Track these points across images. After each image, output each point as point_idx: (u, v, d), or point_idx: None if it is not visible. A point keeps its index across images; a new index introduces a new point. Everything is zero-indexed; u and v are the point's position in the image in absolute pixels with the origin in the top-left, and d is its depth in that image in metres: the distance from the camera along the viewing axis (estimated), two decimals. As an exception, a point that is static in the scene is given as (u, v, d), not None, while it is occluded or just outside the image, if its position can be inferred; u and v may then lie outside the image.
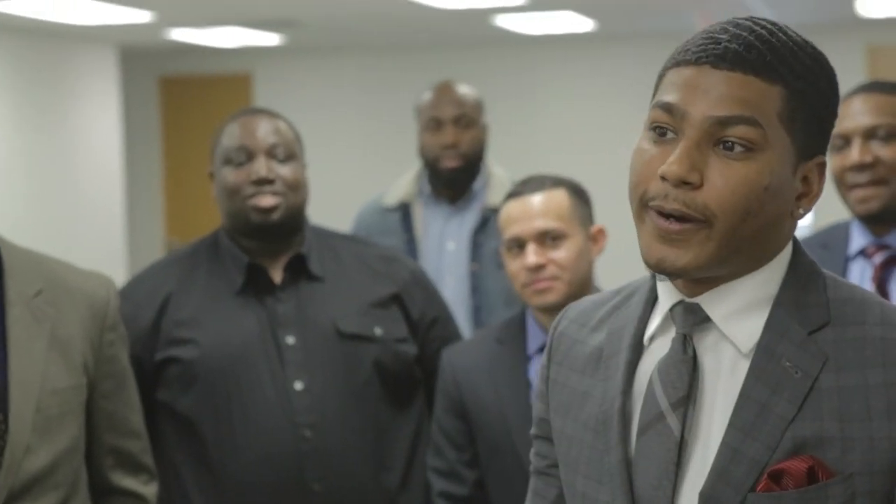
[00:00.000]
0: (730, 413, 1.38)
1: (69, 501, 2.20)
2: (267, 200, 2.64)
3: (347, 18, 9.03)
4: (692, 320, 1.42)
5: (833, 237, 2.71)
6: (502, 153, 6.66)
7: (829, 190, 2.72)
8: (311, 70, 11.04)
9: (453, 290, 3.66)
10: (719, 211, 1.34)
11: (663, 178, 1.35)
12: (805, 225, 10.66)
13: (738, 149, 1.35)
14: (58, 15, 8.02)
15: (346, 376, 2.65)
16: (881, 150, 2.57)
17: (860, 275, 2.63)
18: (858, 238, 2.66)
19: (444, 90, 3.76)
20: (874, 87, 2.64)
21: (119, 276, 9.22)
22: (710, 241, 1.35)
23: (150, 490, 2.39)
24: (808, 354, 1.37)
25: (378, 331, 2.69)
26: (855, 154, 2.57)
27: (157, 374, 2.65)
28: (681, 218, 1.35)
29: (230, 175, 2.68)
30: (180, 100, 11.29)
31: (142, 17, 8.27)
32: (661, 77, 1.43)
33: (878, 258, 2.62)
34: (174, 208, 11.33)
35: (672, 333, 1.44)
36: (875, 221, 2.61)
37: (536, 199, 2.57)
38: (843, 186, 2.62)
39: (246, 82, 11.15)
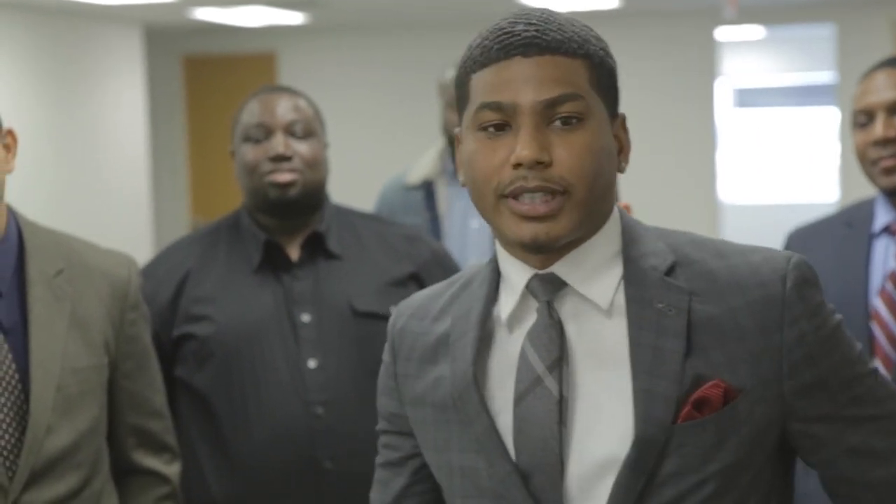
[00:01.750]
0: (605, 367, 1.49)
1: (91, 481, 2.21)
2: (284, 177, 2.65)
3: (371, -3, 9.03)
4: (551, 289, 1.51)
5: (857, 215, 2.70)
6: (526, 131, 6.62)
7: (856, 169, 2.71)
8: (335, 49, 11.03)
9: (477, 269, 3.64)
10: (574, 179, 1.45)
11: (517, 166, 1.45)
12: (833, 202, 10.61)
13: (571, 122, 1.46)
14: (82, -5, 8.04)
15: (361, 355, 2.65)
16: None
17: (884, 251, 2.61)
18: (883, 215, 2.64)
19: (468, 67, 3.74)
20: None
21: (144, 255, 9.26)
22: (573, 209, 1.46)
23: (172, 469, 2.40)
24: (673, 293, 1.49)
25: (394, 310, 2.69)
26: (879, 129, 2.56)
27: (175, 351, 2.66)
28: (545, 193, 1.45)
29: (249, 152, 2.69)
30: (205, 79, 11.30)
31: (166, -4, 8.30)
32: (465, 83, 1.52)
33: None
34: (199, 187, 11.36)
35: (531, 307, 1.53)
36: None
37: None
38: (867, 162, 2.60)
39: (270, 61, 11.15)
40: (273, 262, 2.70)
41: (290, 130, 2.69)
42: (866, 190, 2.69)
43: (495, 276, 1.57)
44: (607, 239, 1.52)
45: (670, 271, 1.50)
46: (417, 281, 2.77)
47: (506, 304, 1.55)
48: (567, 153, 1.44)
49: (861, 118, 2.61)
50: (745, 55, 13.30)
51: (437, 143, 3.86)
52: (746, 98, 13.85)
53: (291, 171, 2.65)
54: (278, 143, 2.66)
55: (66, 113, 9.19)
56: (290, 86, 2.88)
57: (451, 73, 3.76)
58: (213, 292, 2.67)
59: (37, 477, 2.11)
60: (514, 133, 1.45)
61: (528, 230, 1.45)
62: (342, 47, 11.00)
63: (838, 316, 1.52)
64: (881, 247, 2.62)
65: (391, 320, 1.69)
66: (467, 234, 3.72)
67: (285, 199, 2.66)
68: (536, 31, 1.47)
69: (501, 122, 1.47)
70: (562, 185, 1.44)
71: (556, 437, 1.47)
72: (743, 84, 13.74)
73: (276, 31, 10.85)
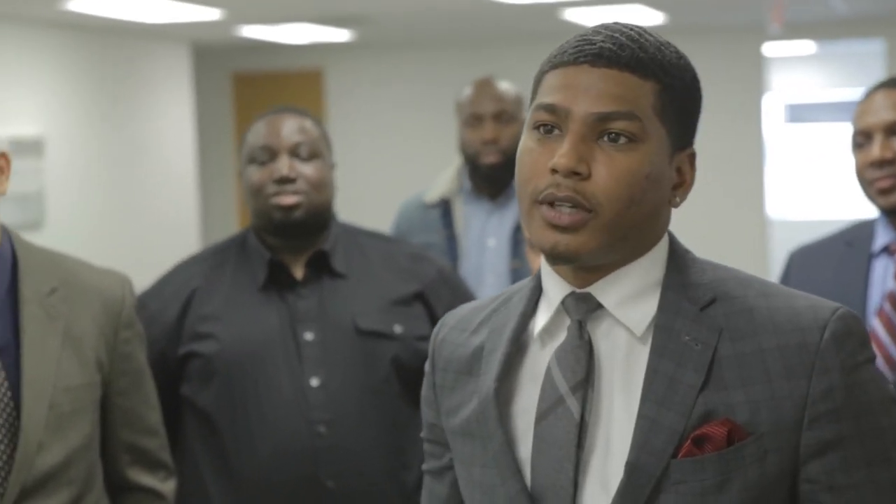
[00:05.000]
0: (629, 394, 1.46)
1: (83, 498, 2.23)
2: (288, 199, 2.66)
3: (417, 14, 9.06)
4: (585, 308, 1.49)
5: (857, 235, 2.68)
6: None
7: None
8: (381, 65, 11.08)
9: (494, 288, 3.64)
10: (605, 200, 1.43)
11: (554, 171, 1.43)
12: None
13: (620, 140, 1.44)
14: (131, 13, 8.13)
15: (364, 373, 2.65)
16: None
17: (883, 272, 2.59)
18: (883, 235, 2.62)
19: (484, 86, 3.76)
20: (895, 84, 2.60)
21: (191, 271, 9.31)
22: (597, 229, 1.44)
23: (167, 486, 2.41)
24: (704, 328, 1.45)
25: (398, 328, 2.70)
26: (876, 150, 2.53)
27: (180, 369, 2.68)
28: (572, 206, 1.43)
29: (254, 174, 2.71)
30: (253, 96, 11.39)
31: (212, 14, 8.36)
32: (538, 80, 1.51)
33: None
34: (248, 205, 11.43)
35: (564, 325, 1.51)
36: None
37: None
38: (865, 182, 2.58)
39: (317, 78, 11.22)
40: (278, 280, 2.72)
41: (294, 152, 2.70)
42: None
43: (536, 292, 1.56)
44: (651, 266, 1.49)
45: (707, 306, 1.46)
46: (423, 300, 2.77)
47: (541, 318, 1.53)
48: (606, 172, 1.42)
49: (859, 139, 2.59)
50: (796, 70, 13.20)
51: (455, 162, 3.87)
52: (798, 113, 13.74)
53: (295, 193, 2.67)
54: (283, 166, 2.67)
55: (115, 131, 9.29)
56: (298, 107, 2.89)
57: (467, 92, 3.78)
58: (219, 311, 2.69)
59: (27, 494, 2.13)
60: (562, 138, 1.44)
61: (550, 238, 1.44)
62: (388, 64, 11.05)
63: (889, 385, 1.45)
64: (880, 267, 2.60)
65: (434, 330, 1.68)
66: (484, 253, 3.72)
67: (290, 221, 2.67)
68: (613, 44, 1.44)
69: (551, 125, 1.45)
70: (591, 204, 1.42)
71: (571, 460, 1.45)
72: (794, 99, 13.64)
73: (322, 48, 10.92)
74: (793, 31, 9.86)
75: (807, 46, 11.78)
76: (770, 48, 10.58)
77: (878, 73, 10.65)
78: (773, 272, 9.44)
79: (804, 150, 13.71)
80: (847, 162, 2.62)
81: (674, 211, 1.54)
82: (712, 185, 9.96)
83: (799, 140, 13.71)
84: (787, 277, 2.74)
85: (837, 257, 2.66)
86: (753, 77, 10.20)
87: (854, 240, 2.66)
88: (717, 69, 10.14)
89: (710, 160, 10.30)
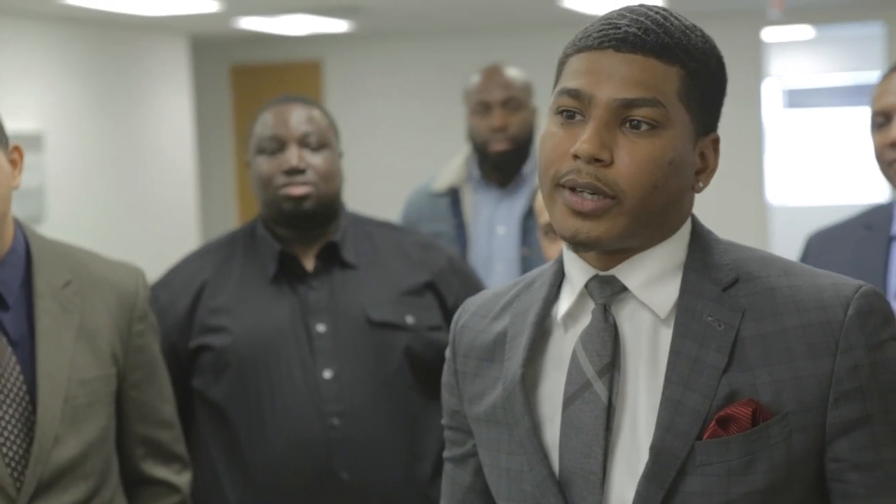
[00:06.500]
0: (654, 377, 1.45)
1: (99, 491, 2.21)
2: (298, 190, 2.64)
3: (415, 3, 9.03)
4: (609, 291, 1.49)
5: (876, 218, 2.66)
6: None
7: None
8: (380, 56, 11.04)
9: (503, 275, 3.63)
10: (628, 187, 1.42)
11: (576, 157, 1.43)
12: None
13: (643, 127, 1.43)
14: (129, 6, 8.10)
15: (376, 365, 2.64)
16: None
17: (903, 255, 2.57)
18: None
19: (492, 73, 3.74)
20: None
21: (192, 264, 9.28)
22: (621, 216, 1.43)
23: (182, 479, 2.40)
24: (727, 308, 1.45)
25: (410, 319, 2.68)
26: (895, 131, 2.51)
27: (192, 362, 2.66)
28: (593, 192, 1.42)
29: (263, 164, 2.68)
30: (251, 88, 11.35)
31: (210, 6, 8.34)
32: (562, 63, 1.50)
33: None
34: (247, 197, 11.40)
35: (588, 308, 1.51)
36: None
37: None
38: (884, 163, 2.56)
39: (316, 69, 11.19)
40: (288, 272, 2.70)
41: (303, 142, 2.68)
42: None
43: (559, 276, 1.56)
44: (674, 248, 1.49)
45: (730, 287, 1.46)
46: (433, 289, 2.75)
47: (564, 302, 1.53)
48: (629, 158, 1.41)
49: (878, 119, 2.56)
50: (795, 55, 13.17)
51: (464, 150, 3.85)
52: (797, 99, 13.71)
53: (305, 183, 2.65)
54: (292, 156, 2.65)
55: (114, 124, 9.26)
56: (306, 96, 2.87)
57: (475, 79, 3.76)
58: (230, 303, 2.67)
59: (44, 487, 2.12)
60: (585, 124, 1.43)
61: (571, 225, 1.43)
62: (387, 54, 11.02)
63: None
64: None
65: (455, 317, 1.67)
66: (493, 241, 3.70)
67: (299, 212, 2.65)
68: (638, 28, 1.43)
69: (574, 110, 1.44)
70: (613, 191, 1.41)
71: (600, 445, 1.44)
72: (793, 85, 13.61)
73: (320, 38, 10.88)
74: (792, 15, 9.84)
75: (805, 31, 11.75)
76: (769, 33, 10.55)
77: (878, 57, 10.64)
78: (775, 258, 9.41)
79: (803, 136, 13.68)
80: (864, 144, 2.60)
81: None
82: (713, 172, 9.94)
83: (798, 125, 13.69)
84: (805, 261, 2.72)
85: (856, 241, 2.64)
86: (752, 62, 10.17)
87: (873, 223, 2.64)
88: (717, 55, 10.11)
89: (711, 146, 10.31)
